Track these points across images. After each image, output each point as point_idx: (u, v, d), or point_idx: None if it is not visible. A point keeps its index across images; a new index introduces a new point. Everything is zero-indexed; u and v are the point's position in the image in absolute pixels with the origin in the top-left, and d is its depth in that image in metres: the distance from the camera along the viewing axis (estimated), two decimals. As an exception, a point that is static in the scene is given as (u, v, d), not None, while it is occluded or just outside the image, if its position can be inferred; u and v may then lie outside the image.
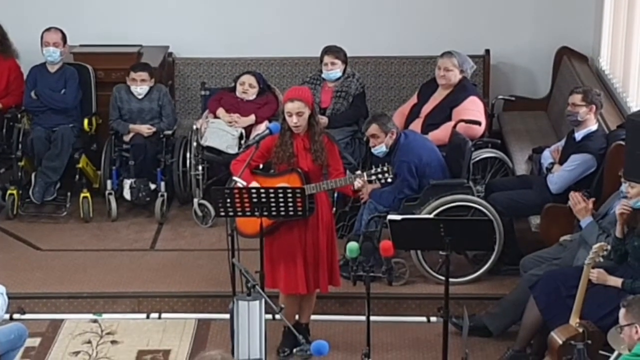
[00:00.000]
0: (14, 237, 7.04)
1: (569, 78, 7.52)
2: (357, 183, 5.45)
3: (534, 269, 5.71)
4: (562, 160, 6.31)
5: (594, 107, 6.22)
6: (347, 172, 5.59)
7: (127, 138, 7.34)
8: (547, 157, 6.51)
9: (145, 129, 7.28)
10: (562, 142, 6.52)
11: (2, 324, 5.27)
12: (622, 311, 4.33)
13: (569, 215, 5.80)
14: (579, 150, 6.20)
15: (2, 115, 7.47)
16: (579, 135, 6.27)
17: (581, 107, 6.21)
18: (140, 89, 7.31)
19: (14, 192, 7.28)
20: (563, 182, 6.19)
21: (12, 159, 7.41)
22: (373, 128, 6.35)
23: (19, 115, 7.46)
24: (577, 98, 6.24)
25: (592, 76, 7.53)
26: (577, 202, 5.70)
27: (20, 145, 7.37)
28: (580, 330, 5.02)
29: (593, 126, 6.25)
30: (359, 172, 5.63)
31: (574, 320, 5.07)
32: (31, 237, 7.03)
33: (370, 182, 5.66)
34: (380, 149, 6.34)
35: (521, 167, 7.07)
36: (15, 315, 6.09)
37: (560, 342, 5.02)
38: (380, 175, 5.50)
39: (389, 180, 5.60)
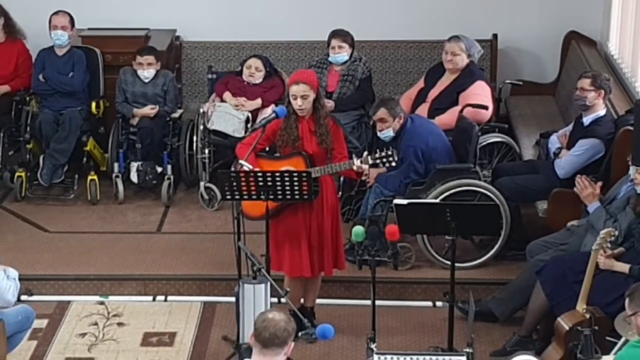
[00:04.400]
0: (22, 219, 7.07)
1: (577, 63, 7.48)
2: (357, 162, 5.43)
3: (541, 254, 5.70)
4: (570, 145, 6.29)
5: (602, 92, 6.19)
6: (353, 156, 5.57)
7: (134, 121, 7.35)
8: (554, 142, 6.49)
9: (149, 109, 7.29)
10: (570, 126, 6.49)
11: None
12: (626, 302, 4.33)
13: (577, 200, 5.78)
14: (587, 135, 6.18)
15: (11, 97, 7.49)
16: (587, 120, 6.25)
17: (590, 92, 6.18)
18: (147, 73, 7.31)
19: (22, 174, 7.30)
20: (571, 167, 6.17)
21: (20, 142, 7.43)
22: (381, 112, 6.33)
23: (28, 98, 7.48)
24: (585, 82, 6.21)
25: (601, 61, 7.50)
26: (584, 187, 5.68)
27: (28, 128, 7.39)
28: (587, 316, 5.01)
29: (601, 111, 6.23)
30: (365, 153, 5.62)
31: (580, 306, 5.06)
32: (39, 219, 7.05)
33: (375, 166, 5.65)
34: (387, 133, 6.33)
35: (528, 152, 7.05)
36: (23, 297, 6.11)
37: (567, 327, 5.00)
38: (384, 159, 5.49)
39: (393, 164, 5.59)
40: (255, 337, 3.86)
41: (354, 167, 5.46)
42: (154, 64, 7.32)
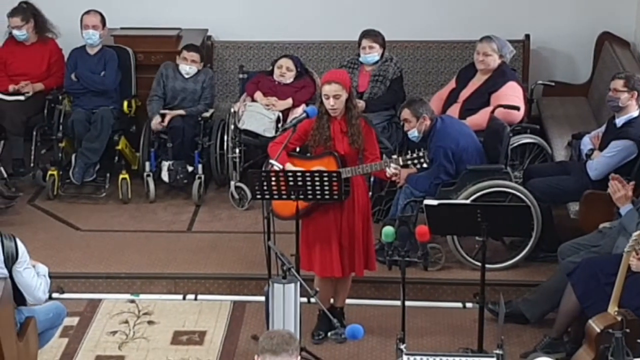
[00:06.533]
0: (54, 218, 7.13)
1: (610, 64, 7.43)
2: (390, 170, 5.44)
3: (572, 256, 5.67)
4: (602, 147, 6.25)
5: (635, 93, 6.15)
6: (384, 156, 5.57)
7: (165, 121, 7.36)
8: (586, 143, 6.45)
9: (170, 114, 7.29)
10: (603, 128, 6.45)
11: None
12: None
13: (609, 202, 5.74)
14: (620, 136, 6.13)
15: (44, 96, 7.56)
16: (619, 121, 6.20)
17: (623, 93, 6.14)
18: (189, 69, 7.36)
19: (55, 172, 7.36)
20: (603, 169, 6.12)
21: (53, 140, 7.49)
22: (405, 112, 6.35)
23: (60, 97, 7.54)
24: (618, 83, 6.17)
25: (634, 62, 7.43)
26: (617, 189, 5.64)
27: (61, 127, 7.44)
28: (619, 318, 4.97)
29: (634, 112, 6.18)
30: (394, 156, 5.62)
31: (612, 308, 5.02)
32: (71, 218, 7.11)
33: (406, 166, 5.64)
34: (412, 133, 6.33)
35: (560, 153, 7.01)
36: (55, 295, 6.16)
37: (598, 330, 4.97)
38: (415, 161, 5.48)
39: (424, 165, 5.58)
40: (261, 350, 3.84)
41: (387, 174, 5.46)
42: (197, 62, 7.37)
